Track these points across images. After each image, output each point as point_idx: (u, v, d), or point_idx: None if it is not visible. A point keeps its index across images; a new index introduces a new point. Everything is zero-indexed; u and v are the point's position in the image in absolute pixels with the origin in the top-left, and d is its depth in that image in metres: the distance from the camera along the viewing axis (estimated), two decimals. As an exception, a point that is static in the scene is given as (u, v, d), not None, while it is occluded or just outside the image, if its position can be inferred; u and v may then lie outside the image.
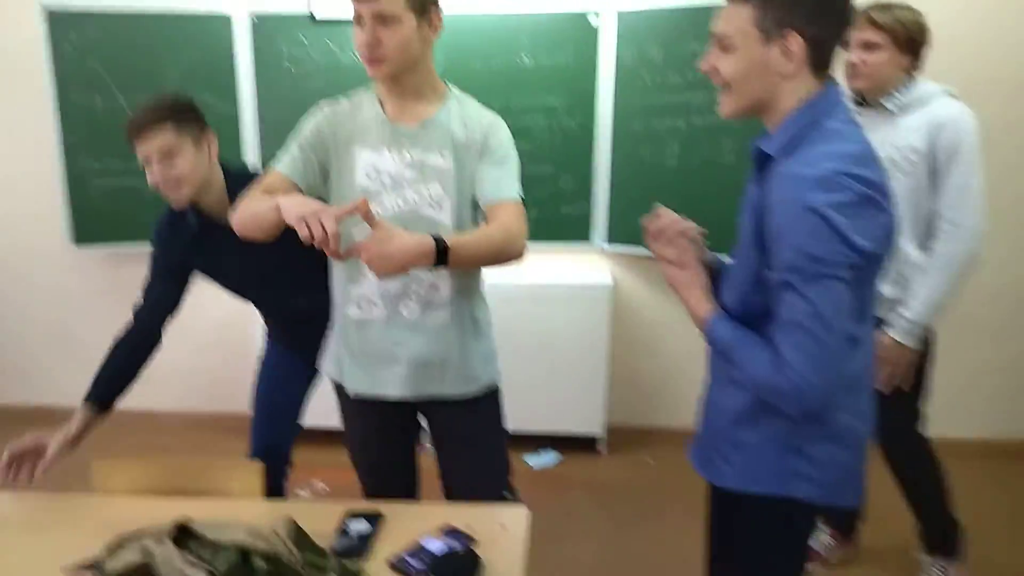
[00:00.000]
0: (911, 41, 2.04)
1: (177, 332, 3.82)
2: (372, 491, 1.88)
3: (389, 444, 1.87)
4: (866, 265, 1.19)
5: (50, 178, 3.38)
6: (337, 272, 1.75)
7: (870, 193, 1.16)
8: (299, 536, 1.34)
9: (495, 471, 1.85)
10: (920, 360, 2.17)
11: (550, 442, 3.36)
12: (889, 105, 2.09)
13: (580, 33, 3.11)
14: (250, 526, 1.31)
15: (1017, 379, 3.33)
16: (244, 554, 1.26)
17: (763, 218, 1.24)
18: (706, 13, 2.93)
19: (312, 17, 3.22)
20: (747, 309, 1.30)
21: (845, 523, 2.57)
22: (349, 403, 1.83)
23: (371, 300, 1.68)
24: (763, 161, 1.31)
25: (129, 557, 1.31)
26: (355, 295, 1.70)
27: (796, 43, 1.21)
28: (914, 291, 2.07)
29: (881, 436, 2.29)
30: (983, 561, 2.48)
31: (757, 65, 1.25)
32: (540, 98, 3.18)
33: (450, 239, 1.47)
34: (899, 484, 2.39)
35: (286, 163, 1.65)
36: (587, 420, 3.24)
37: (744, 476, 1.35)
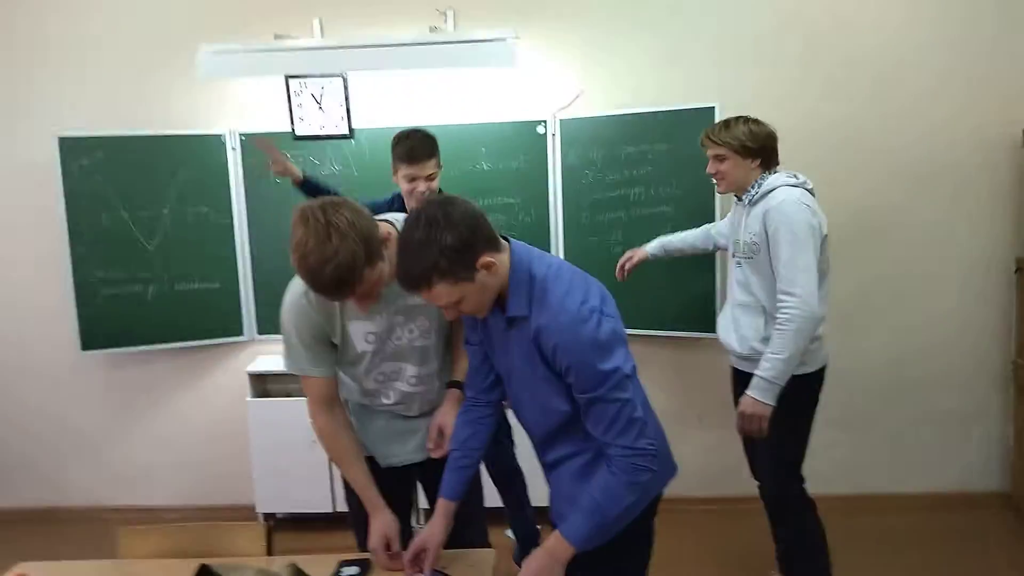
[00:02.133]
0: (749, 148, 2.44)
1: (173, 427, 4.10)
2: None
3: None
4: None
5: (60, 288, 3.67)
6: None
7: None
8: None
9: (481, 523, 2.16)
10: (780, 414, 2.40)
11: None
12: (744, 199, 2.52)
13: (530, 140, 3.55)
14: (261, 568, 1.62)
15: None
16: (256, 590, 1.56)
17: None
18: (636, 119, 3.42)
19: (294, 135, 3.64)
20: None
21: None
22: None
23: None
24: None
25: (158, 603, 1.60)
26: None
27: None
28: (766, 354, 2.35)
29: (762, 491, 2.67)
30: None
31: None
32: (499, 197, 3.58)
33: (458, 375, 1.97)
34: (784, 552, 2.71)
35: (311, 365, 1.88)
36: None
37: None
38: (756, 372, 2.37)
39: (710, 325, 3.17)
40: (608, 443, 1.56)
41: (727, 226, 2.75)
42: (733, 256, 2.63)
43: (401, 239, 1.51)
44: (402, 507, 2.07)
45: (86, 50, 3.75)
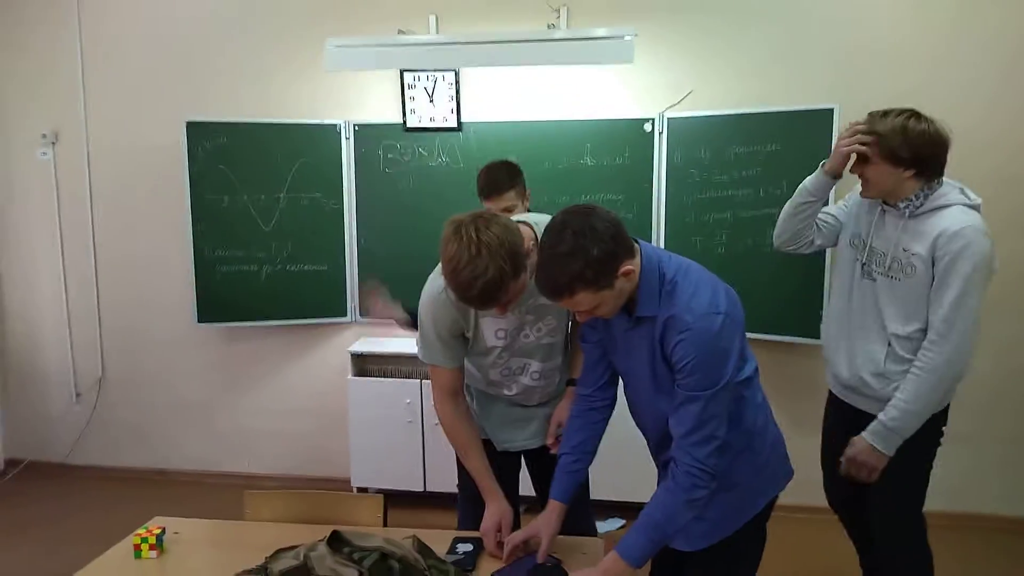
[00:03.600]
0: (898, 155, 2.03)
1: (278, 400, 4.30)
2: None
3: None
4: None
5: (182, 264, 3.92)
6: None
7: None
8: (423, 548, 1.72)
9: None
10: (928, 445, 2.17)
11: (616, 509, 3.65)
12: (903, 208, 2.10)
13: (636, 137, 3.56)
14: (387, 537, 1.70)
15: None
16: (383, 557, 1.64)
17: None
18: (746, 119, 3.38)
19: (404, 126, 3.76)
20: None
21: None
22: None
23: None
24: None
25: (289, 562, 1.71)
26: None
27: None
28: (895, 399, 2.06)
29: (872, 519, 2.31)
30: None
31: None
32: (602, 194, 3.61)
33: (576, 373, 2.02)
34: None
35: (444, 357, 1.96)
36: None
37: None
38: (880, 417, 2.09)
39: (811, 330, 3.12)
40: (681, 447, 1.60)
41: (850, 219, 2.32)
42: (861, 263, 2.22)
43: (546, 249, 1.54)
44: (511, 490, 2.13)
45: (213, 37, 3.97)
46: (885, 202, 2.16)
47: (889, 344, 2.13)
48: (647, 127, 3.56)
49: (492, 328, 1.96)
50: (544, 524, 1.81)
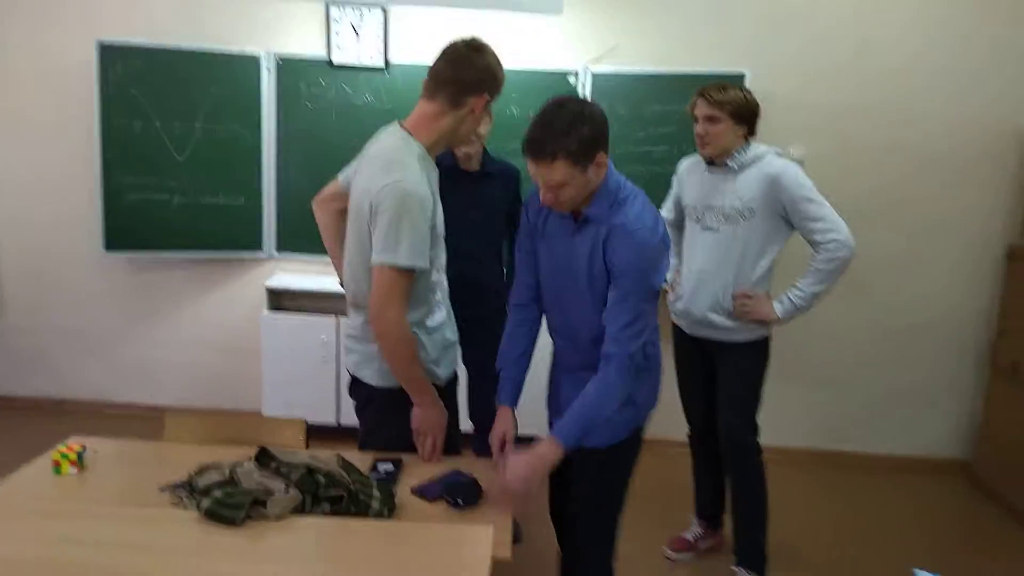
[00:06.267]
0: (744, 114, 2.49)
1: (186, 332, 4.23)
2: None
3: None
4: None
5: (89, 189, 3.79)
6: None
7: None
8: (347, 465, 1.80)
9: None
10: (760, 370, 2.66)
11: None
12: (731, 163, 2.53)
13: (561, 89, 3.64)
14: (312, 454, 1.79)
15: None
16: (310, 471, 1.72)
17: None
18: (664, 79, 3.53)
19: (330, 62, 3.72)
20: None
21: (712, 516, 3.03)
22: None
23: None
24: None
25: (214, 476, 1.76)
26: None
27: None
28: (800, 284, 2.51)
29: (722, 443, 2.73)
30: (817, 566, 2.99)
31: None
32: (524, 142, 3.70)
33: None
34: (732, 495, 2.78)
35: (425, 257, 1.88)
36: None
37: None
38: (788, 294, 2.53)
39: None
40: (617, 340, 1.78)
41: (692, 196, 2.68)
42: (700, 222, 2.63)
43: (542, 116, 1.71)
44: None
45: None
46: (712, 163, 2.58)
47: (734, 277, 2.56)
48: (571, 79, 3.65)
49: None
50: (507, 425, 2.01)
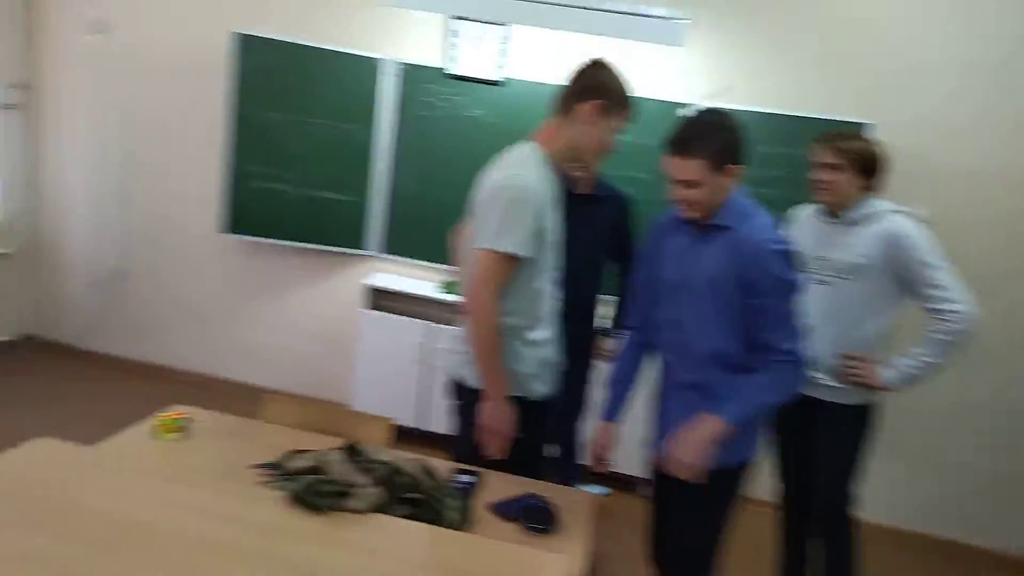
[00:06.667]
0: (869, 166, 2.40)
1: (289, 318, 4.41)
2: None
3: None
4: None
5: (215, 172, 4.04)
6: None
7: None
8: (430, 470, 1.86)
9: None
10: (861, 438, 2.51)
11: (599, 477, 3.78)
12: (849, 216, 2.43)
13: (671, 121, 3.60)
14: (398, 455, 1.85)
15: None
16: (393, 471, 1.79)
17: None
18: (776, 120, 3.46)
19: (448, 73, 3.83)
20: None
21: None
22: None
23: None
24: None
25: (303, 462, 1.85)
26: None
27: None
28: (914, 352, 2.35)
29: (814, 509, 2.60)
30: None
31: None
32: (630, 171, 3.67)
33: None
34: (821, 567, 2.59)
35: (528, 247, 1.93)
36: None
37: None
38: (902, 359, 2.38)
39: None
40: (775, 347, 1.86)
41: (805, 245, 2.52)
42: (810, 274, 2.51)
43: (693, 116, 1.86)
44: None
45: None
46: (831, 215, 2.49)
47: (838, 336, 2.43)
48: (681, 112, 3.63)
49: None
50: (607, 440, 2.14)
